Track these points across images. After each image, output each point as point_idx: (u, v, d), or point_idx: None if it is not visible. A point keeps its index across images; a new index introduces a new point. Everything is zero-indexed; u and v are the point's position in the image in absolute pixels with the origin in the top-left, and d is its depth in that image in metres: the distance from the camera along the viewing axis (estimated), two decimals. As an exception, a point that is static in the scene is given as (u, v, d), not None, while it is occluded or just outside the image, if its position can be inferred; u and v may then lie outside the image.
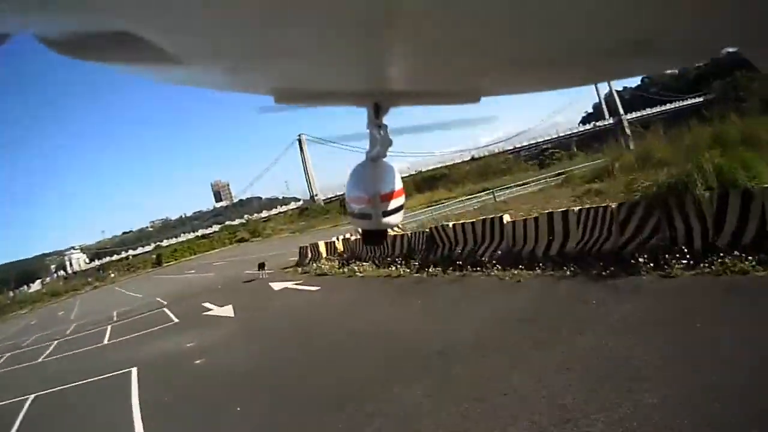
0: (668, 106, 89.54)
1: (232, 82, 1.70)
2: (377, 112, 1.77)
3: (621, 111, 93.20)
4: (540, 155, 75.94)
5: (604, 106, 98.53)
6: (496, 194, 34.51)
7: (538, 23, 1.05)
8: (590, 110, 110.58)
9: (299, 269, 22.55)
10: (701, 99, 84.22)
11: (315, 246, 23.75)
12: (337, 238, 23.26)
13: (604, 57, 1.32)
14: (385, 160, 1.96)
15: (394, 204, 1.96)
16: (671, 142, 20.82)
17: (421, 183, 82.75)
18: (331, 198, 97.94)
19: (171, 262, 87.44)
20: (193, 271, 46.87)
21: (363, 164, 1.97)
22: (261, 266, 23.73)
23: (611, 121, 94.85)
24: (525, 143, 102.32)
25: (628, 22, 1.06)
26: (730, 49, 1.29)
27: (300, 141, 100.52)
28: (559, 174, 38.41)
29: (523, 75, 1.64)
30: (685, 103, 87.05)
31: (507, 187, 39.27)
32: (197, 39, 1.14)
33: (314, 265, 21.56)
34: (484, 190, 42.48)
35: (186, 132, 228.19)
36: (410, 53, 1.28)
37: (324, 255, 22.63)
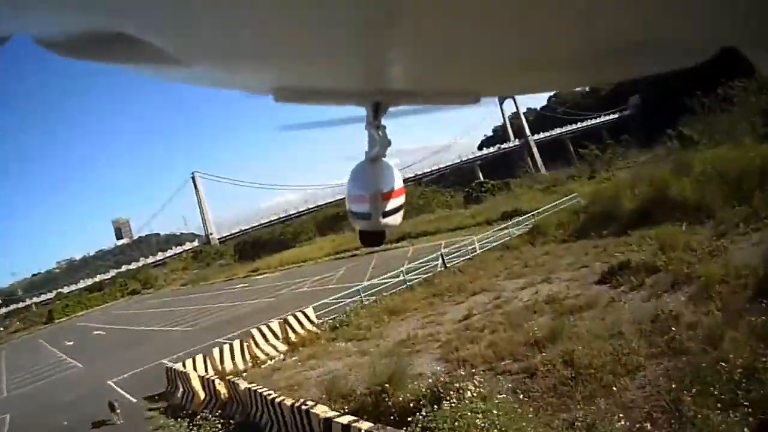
0: (579, 125, 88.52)
1: (232, 81, 1.76)
2: (376, 111, 1.77)
3: (527, 131, 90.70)
4: (469, 187, 64.84)
5: (509, 127, 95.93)
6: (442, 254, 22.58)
7: (538, 24, 1.06)
8: (490, 133, 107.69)
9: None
10: (616, 116, 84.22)
11: (187, 378, 14.55)
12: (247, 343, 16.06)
13: (604, 57, 1.32)
14: (385, 159, 1.92)
15: (393, 204, 1.92)
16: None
17: (323, 223, 71.63)
18: (226, 237, 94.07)
19: (63, 318, 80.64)
20: (71, 342, 40.82)
21: (362, 164, 1.93)
22: (112, 407, 15.07)
23: (517, 142, 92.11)
24: (427, 170, 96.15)
25: (628, 23, 1.07)
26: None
27: (194, 179, 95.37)
28: (516, 217, 28.62)
29: (523, 76, 1.62)
30: (598, 120, 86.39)
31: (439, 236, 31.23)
32: (197, 39, 1.20)
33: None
34: (401, 239, 34.23)
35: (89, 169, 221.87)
36: (409, 53, 1.31)
37: (199, 396, 13.94)
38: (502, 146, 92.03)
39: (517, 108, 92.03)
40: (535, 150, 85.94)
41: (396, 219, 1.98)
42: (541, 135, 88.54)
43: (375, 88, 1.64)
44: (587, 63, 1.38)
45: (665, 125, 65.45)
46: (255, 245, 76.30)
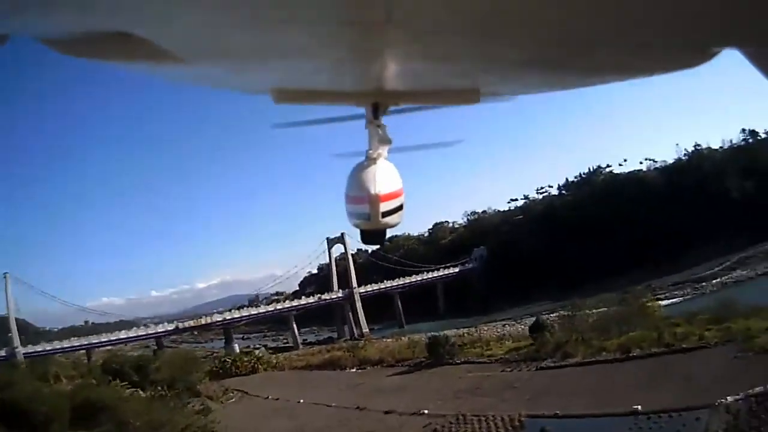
0: (410, 279, 74.76)
1: (231, 81, 1.70)
2: (376, 111, 1.76)
3: (354, 282, 73.68)
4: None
5: (334, 274, 77.26)
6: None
7: (537, 24, 1.03)
8: (315, 270, 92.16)
9: None
10: (457, 269, 74.28)
11: None
12: None
13: (605, 58, 1.30)
14: (385, 159, 1.91)
15: (393, 204, 1.91)
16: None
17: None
18: None
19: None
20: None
21: (362, 164, 1.91)
22: None
23: (340, 294, 74.01)
24: (237, 315, 74.02)
25: (628, 24, 1.04)
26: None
27: None
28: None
29: (523, 76, 1.59)
30: (435, 274, 74.43)
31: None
32: (197, 39, 1.20)
33: None
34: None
35: None
36: (409, 54, 1.28)
37: None
38: (323, 296, 74.66)
39: (346, 250, 76.43)
40: (359, 305, 70.82)
41: (395, 218, 1.94)
42: (368, 288, 73.34)
43: (374, 88, 1.58)
44: (587, 64, 1.35)
45: (510, 289, 61.39)
46: None
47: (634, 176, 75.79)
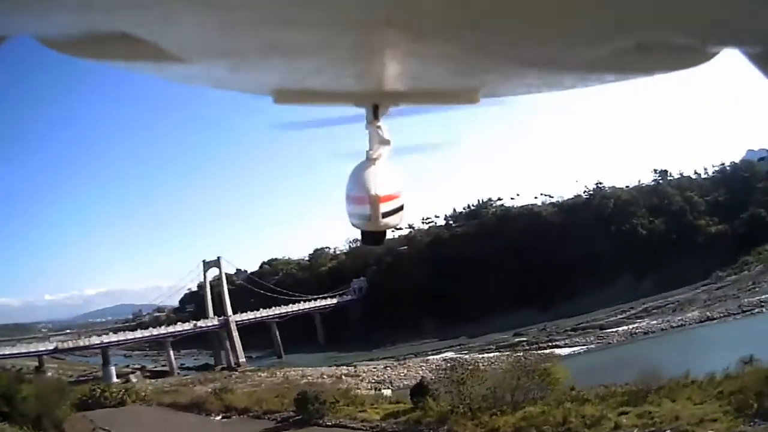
0: (290, 308, 72.21)
1: (232, 82, 1.68)
2: (376, 112, 1.78)
3: (229, 310, 70.66)
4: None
5: (209, 300, 73.57)
6: None
7: (537, 24, 1.03)
8: (195, 288, 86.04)
9: None
10: (334, 301, 72.53)
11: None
12: None
13: (605, 58, 1.28)
14: (386, 159, 1.91)
15: (394, 204, 1.89)
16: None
17: None
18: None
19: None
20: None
21: (363, 164, 1.91)
22: None
23: (216, 322, 70.58)
24: (115, 339, 67.68)
25: (628, 24, 1.04)
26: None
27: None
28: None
29: (523, 76, 1.58)
30: (313, 305, 72.93)
31: None
32: (198, 39, 1.20)
33: None
34: None
35: None
36: (409, 54, 1.29)
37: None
38: (198, 324, 70.25)
39: (221, 277, 73.07)
40: (235, 334, 67.97)
41: (396, 219, 1.94)
42: (243, 317, 70.32)
43: (374, 88, 1.59)
44: (587, 64, 1.33)
45: (394, 323, 59.69)
46: None
47: (528, 210, 71.98)
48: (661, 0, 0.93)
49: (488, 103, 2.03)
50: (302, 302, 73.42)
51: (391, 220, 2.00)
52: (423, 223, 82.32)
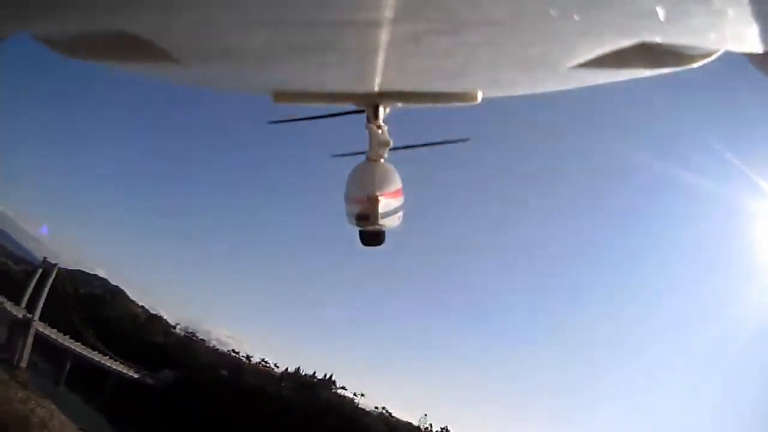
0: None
1: (232, 82, 1.68)
2: (376, 112, 1.76)
3: (37, 313, 54.23)
4: None
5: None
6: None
7: (537, 24, 1.07)
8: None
9: None
10: (136, 375, 57.32)
11: None
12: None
13: (605, 58, 1.28)
14: (384, 160, 1.91)
15: (392, 204, 1.90)
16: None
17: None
18: None
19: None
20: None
21: (362, 164, 1.93)
22: None
23: (20, 315, 53.50)
24: None
25: (628, 24, 1.08)
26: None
27: None
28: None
29: (523, 76, 1.60)
30: (119, 367, 58.36)
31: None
32: (197, 39, 1.20)
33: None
34: None
35: None
36: (409, 54, 1.30)
37: None
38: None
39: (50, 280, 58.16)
40: (30, 340, 52.89)
41: (394, 220, 1.91)
42: (52, 333, 55.72)
43: (374, 89, 1.56)
44: (588, 64, 1.30)
45: None
46: None
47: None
48: (661, 0, 0.95)
49: (488, 102, 1.96)
50: (107, 356, 59.62)
51: (389, 220, 1.94)
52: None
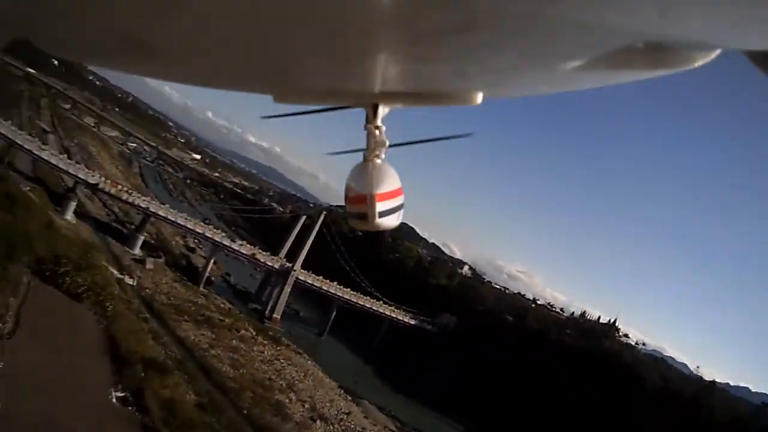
0: (359, 299, 61.56)
1: (232, 82, 1.72)
2: (375, 112, 1.76)
3: (299, 263, 60.28)
4: None
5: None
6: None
7: (537, 24, 1.07)
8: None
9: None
10: (412, 322, 61.06)
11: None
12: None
13: (605, 58, 1.29)
14: (383, 160, 1.92)
15: (390, 204, 1.91)
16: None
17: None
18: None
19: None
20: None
21: (361, 164, 1.93)
22: None
23: (276, 265, 60.99)
24: None
25: (628, 23, 1.08)
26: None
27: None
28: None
29: (524, 76, 1.59)
30: (387, 311, 61.62)
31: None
32: (198, 39, 1.21)
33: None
34: None
35: None
36: (409, 54, 1.31)
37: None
38: (258, 256, 60.96)
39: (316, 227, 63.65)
40: (288, 288, 59.55)
41: (392, 220, 1.96)
42: (308, 279, 60.85)
43: (374, 89, 1.57)
44: (588, 64, 1.31)
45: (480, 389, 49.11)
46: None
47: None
48: (661, 0, 0.95)
49: (489, 103, 2.02)
50: (380, 301, 61.49)
51: (387, 220, 1.97)
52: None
